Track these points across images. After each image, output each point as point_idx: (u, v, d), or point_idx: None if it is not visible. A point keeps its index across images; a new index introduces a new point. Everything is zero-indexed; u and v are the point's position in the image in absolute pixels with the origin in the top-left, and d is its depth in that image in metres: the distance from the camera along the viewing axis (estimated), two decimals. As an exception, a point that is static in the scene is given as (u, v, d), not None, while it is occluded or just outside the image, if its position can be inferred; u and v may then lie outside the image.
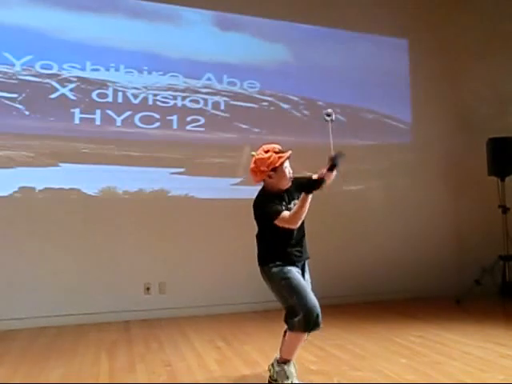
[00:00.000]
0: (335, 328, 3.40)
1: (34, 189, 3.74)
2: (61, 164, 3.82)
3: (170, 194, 4.10)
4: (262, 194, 2.27)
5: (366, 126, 4.79)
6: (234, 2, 4.42)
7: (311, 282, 2.33)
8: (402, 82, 4.99)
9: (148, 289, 3.96)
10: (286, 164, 2.22)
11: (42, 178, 3.77)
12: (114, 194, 3.95)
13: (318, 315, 2.09)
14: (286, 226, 2.13)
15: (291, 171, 2.25)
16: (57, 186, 3.80)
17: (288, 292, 2.16)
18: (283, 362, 2.22)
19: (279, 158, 2.18)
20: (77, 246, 3.80)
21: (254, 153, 2.26)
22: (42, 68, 3.85)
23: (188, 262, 4.07)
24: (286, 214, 2.13)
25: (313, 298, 2.12)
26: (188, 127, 4.21)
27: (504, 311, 4.17)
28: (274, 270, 2.20)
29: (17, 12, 3.82)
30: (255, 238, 2.32)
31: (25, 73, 3.80)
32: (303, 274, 2.28)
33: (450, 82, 5.10)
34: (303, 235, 2.31)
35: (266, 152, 2.20)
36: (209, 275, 4.08)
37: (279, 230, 2.15)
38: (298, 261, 2.25)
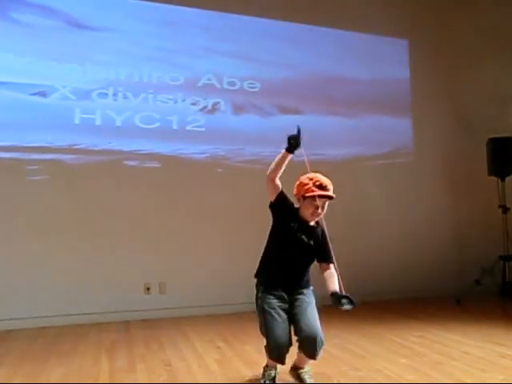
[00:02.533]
0: (335, 328, 3.40)
1: (33, 188, 3.74)
2: (61, 163, 3.83)
3: (169, 195, 4.10)
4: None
5: (366, 126, 4.79)
6: (235, 2, 4.43)
7: (308, 303, 2.22)
8: (402, 82, 4.99)
9: (148, 289, 3.96)
10: (319, 202, 2.16)
11: (40, 176, 3.78)
12: (113, 195, 3.95)
13: (277, 354, 2.12)
14: (267, 183, 2.17)
15: (320, 212, 2.18)
16: (56, 187, 3.81)
17: (259, 316, 2.22)
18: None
19: (312, 191, 2.16)
20: (77, 245, 3.80)
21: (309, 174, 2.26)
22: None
23: (188, 262, 4.07)
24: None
25: (275, 339, 2.09)
26: (188, 127, 4.21)
27: (504, 311, 4.17)
28: (258, 287, 2.29)
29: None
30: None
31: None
32: (294, 300, 2.21)
33: (450, 83, 5.10)
34: (301, 271, 2.26)
35: (310, 179, 2.21)
36: (209, 275, 4.08)
37: (274, 245, 2.24)
38: (281, 288, 2.22)
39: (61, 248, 3.75)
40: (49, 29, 3.88)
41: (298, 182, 2.26)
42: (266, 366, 2.32)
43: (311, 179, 2.21)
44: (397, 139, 4.92)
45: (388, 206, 4.78)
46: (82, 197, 3.87)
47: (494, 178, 4.54)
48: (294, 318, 2.17)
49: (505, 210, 4.47)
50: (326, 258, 2.26)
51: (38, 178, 3.77)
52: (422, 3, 5.10)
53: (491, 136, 4.57)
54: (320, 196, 2.17)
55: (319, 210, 2.19)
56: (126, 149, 4.01)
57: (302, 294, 2.24)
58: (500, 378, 2.36)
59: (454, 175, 5.03)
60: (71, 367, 2.64)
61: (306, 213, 2.22)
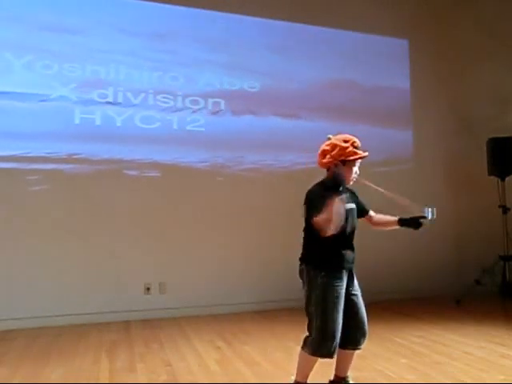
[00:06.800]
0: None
1: (34, 189, 3.75)
2: (61, 164, 3.83)
3: (168, 195, 4.10)
4: (321, 183, 2.11)
5: (366, 126, 4.77)
6: (235, 2, 4.43)
7: (359, 292, 2.14)
8: (402, 82, 4.99)
9: (148, 289, 3.96)
10: (357, 163, 2.10)
11: (41, 177, 3.78)
12: (113, 195, 3.96)
13: (330, 347, 1.98)
14: (318, 229, 1.91)
15: (358, 172, 2.13)
16: (57, 187, 3.81)
17: (315, 306, 2.02)
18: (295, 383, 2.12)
19: (355, 153, 2.05)
20: (77, 245, 3.79)
21: (330, 136, 2.13)
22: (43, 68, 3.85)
23: (188, 262, 4.07)
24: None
25: (333, 329, 1.97)
26: (188, 127, 4.21)
27: (504, 311, 4.17)
28: (317, 274, 2.03)
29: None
30: (302, 232, 2.12)
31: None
32: (351, 280, 2.11)
33: (451, 82, 5.10)
34: (353, 237, 2.14)
35: (346, 142, 2.06)
36: (209, 275, 4.08)
37: None
38: (348, 267, 2.07)
39: (61, 248, 3.74)
40: (48, 32, 3.89)
41: (332, 147, 2.06)
42: (297, 383, 2.11)
43: (348, 141, 2.06)
44: (397, 137, 4.91)
45: (388, 205, 4.76)
46: (83, 200, 3.86)
47: (494, 178, 4.54)
48: (351, 308, 2.07)
49: (505, 210, 4.47)
50: (366, 208, 2.27)
51: (38, 187, 3.76)
52: (421, 3, 5.10)
53: (491, 136, 4.57)
54: (362, 157, 2.08)
55: (358, 172, 2.12)
56: (125, 157, 4.00)
57: (355, 277, 2.14)
58: (500, 378, 2.37)
59: (454, 175, 5.03)
60: (71, 367, 2.65)
61: (346, 177, 2.09)
